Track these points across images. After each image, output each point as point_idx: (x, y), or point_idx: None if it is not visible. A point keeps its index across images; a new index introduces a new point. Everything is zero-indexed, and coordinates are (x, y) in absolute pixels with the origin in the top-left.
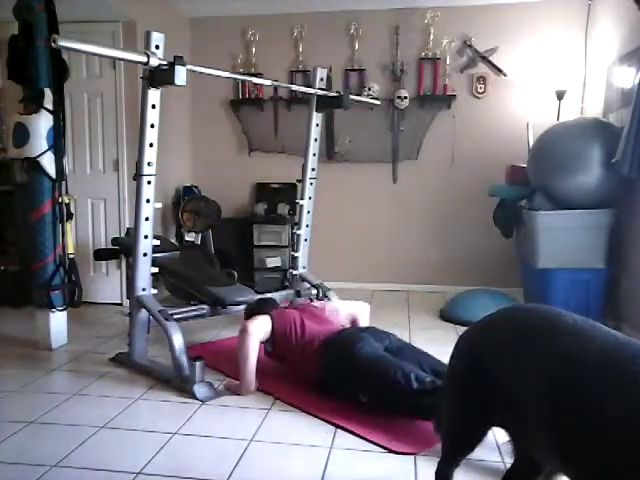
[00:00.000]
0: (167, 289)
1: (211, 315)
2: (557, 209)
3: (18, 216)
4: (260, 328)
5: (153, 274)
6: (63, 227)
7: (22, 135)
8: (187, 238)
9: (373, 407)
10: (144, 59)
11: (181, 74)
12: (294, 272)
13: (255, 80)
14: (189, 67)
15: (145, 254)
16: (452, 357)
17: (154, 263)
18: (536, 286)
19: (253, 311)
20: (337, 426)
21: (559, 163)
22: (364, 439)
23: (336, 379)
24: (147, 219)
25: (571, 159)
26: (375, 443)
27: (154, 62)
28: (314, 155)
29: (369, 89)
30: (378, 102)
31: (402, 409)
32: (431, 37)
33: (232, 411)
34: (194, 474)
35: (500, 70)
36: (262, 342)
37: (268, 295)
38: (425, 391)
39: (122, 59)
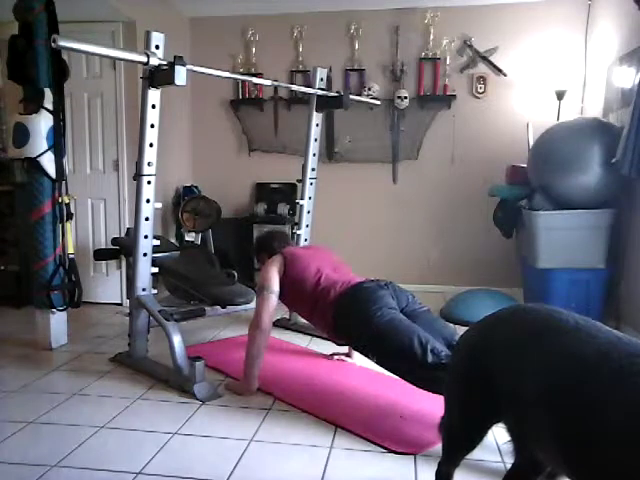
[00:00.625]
0: (167, 289)
1: (211, 315)
2: (557, 209)
3: (18, 216)
4: (273, 308)
5: (153, 274)
6: (63, 227)
7: (22, 135)
8: (187, 238)
9: (382, 367)
10: (144, 59)
11: (181, 74)
12: None
13: (255, 80)
14: (189, 67)
15: (145, 254)
16: (453, 357)
17: (154, 263)
18: (536, 286)
19: (263, 247)
20: (337, 426)
21: (559, 163)
22: (364, 439)
23: (348, 335)
24: (147, 219)
25: (571, 159)
26: (375, 443)
27: (154, 62)
28: (314, 155)
29: (369, 89)
30: (378, 102)
31: (412, 379)
32: (431, 37)
33: (232, 411)
34: (194, 474)
35: (500, 70)
36: None
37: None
38: (440, 365)
39: (122, 59)
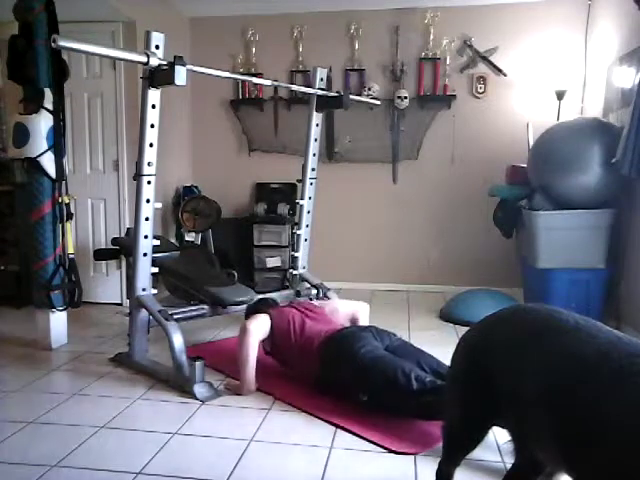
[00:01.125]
0: (167, 289)
1: (211, 315)
2: (557, 209)
3: (18, 216)
4: (260, 327)
5: (153, 274)
6: (63, 227)
7: (22, 135)
8: (187, 238)
9: (373, 407)
10: (144, 59)
11: (181, 74)
12: (294, 272)
13: (255, 80)
14: (189, 67)
15: (145, 254)
16: (453, 357)
17: (154, 263)
18: (536, 286)
19: (253, 310)
20: (337, 426)
21: (559, 163)
22: (364, 439)
23: (336, 378)
24: (147, 219)
25: (571, 159)
26: (375, 443)
27: (154, 62)
28: (314, 155)
29: (369, 89)
30: (378, 102)
31: (402, 409)
32: (431, 37)
33: (232, 411)
34: (194, 474)
35: (500, 70)
36: (262, 341)
37: (268, 295)
38: (425, 391)
39: (122, 59)
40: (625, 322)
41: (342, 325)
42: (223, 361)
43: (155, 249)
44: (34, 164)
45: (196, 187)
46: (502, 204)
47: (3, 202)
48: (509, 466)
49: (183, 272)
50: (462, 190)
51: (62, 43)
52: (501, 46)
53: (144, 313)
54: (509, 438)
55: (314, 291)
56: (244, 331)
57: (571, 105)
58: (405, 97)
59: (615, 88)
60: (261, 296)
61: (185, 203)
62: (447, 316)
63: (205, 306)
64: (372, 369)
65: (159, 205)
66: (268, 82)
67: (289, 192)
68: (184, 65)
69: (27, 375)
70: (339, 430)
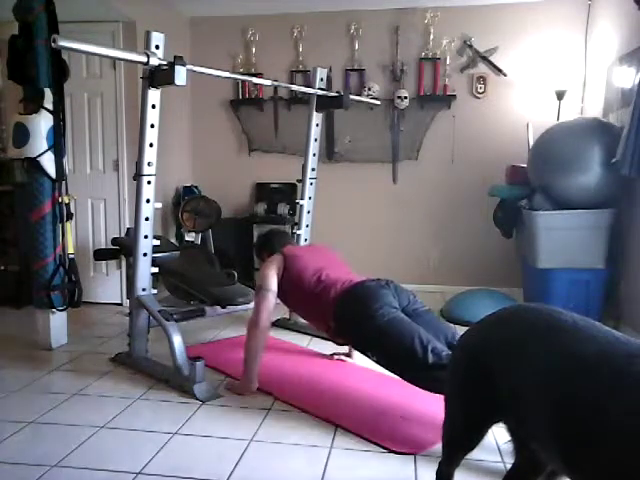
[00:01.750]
0: (167, 289)
1: (211, 315)
2: (557, 209)
3: (18, 216)
4: (271, 306)
5: (153, 274)
6: (63, 227)
7: (22, 135)
8: (187, 238)
9: (382, 367)
10: (144, 59)
11: (181, 74)
12: None
13: (255, 80)
14: (189, 67)
15: (145, 254)
16: (453, 357)
17: (154, 263)
18: (536, 286)
19: (267, 248)
20: (337, 426)
21: (559, 163)
22: (364, 439)
23: (349, 334)
24: (147, 219)
25: (571, 159)
26: (375, 443)
27: (154, 62)
28: (314, 155)
29: (369, 89)
30: (378, 102)
31: (412, 379)
32: (431, 37)
33: (232, 411)
34: (194, 474)
35: (500, 70)
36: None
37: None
38: (441, 365)
39: (122, 59)
40: (625, 322)
41: (358, 276)
42: (223, 361)
43: (155, 249)
44: (34, 164)
45: (196, 187)
46: (502, 204)
47: (3, 202)
48: (509, 466)
49: (183, 272)
50: (462, 190)
51: (62, 43)
52: (501, 46)
53: (144, 313)
54: (509, 438)
55: None
56: (256, 326)
57: (571, 105)
58: (405, 97)
59: (615, 88)
60: (274, 228)
61: (185, 203)
62: (447, 316)
63: (205, 306)
64: (388, 334)
65: (159, 205)
66: (268, 82)
67: (289, 192)
68: (184, 65)
69: (27, 375)
70: (339, 430)
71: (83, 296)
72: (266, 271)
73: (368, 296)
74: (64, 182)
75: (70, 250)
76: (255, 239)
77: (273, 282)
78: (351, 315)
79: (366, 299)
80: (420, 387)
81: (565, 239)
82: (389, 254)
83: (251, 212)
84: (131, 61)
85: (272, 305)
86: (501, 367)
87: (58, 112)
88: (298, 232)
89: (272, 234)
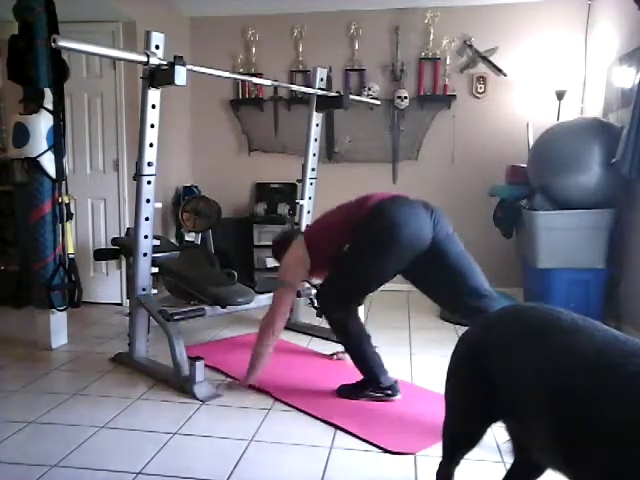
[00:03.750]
0: (167, 289)
1: (211, 315)
2: (557, 209)
3: (18, 216)
4: (291, 303)
5: (153, 274)
6: (63, 227)
7: (22, 135)
8: (187, 238)
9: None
10: (144, 59)
11: (181, 74)
12: None
13: (255, 80)
14: (189, 67)
15: (145, 254)
16: (453, 357)
17: (154, 263)
18: (536, 286)
19: (282, 243)
20: (337, 426)
21: (559, 163)
22: (364, 440)
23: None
24: (147, 219)
25: (571, 159)
26: (375, 444)
27: (154, 62)
28: (314, 155)
29: (369, 89)
30: (378, 102)
31: (446, 303)
32: (431, 37)
33: (232, 411)
34: (194, 474)
35: (500, 70)
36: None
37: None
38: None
39: (122, 59)
40: (625, 322)
41: None
42: (223, 361)
43: (155, 249)
44: (34, 164)
45: (196, 187)
46: (502, 204)
47: (3, 202)
48: (509, 466)
49: (183, 272)
50: (462, 190)
51: (62, 43)
52: (501, 46)
53: (144, 313)
54: (509, 438)
55: (314, 291)
56: (272, 326)
57: (571, 105)
58: (405, 97)
59: (615, 88)
60: (285, 229)
61: (185, 203)
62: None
63: (205, 306)
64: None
65: (159, 205)
66: (268, 82)
67: (289, 192)
68: (184, 65)
69: (27, 375)
70: (339, 430)
71: (83, 296)
72: (289, 261)
73: (411, 205)
74: (64, 182)
75: (70, 250)
76: (272, 243)
77: (298, 275)
78: (397, 212)
79: (410, 207)
80: (452, 311)
81: (565, 239)
82: None
83: (251, 212)
84: (131, 61)
85: (292, 302)
86: (501, 367)
87: (58, 112)
88: None
89: (288, 231)
